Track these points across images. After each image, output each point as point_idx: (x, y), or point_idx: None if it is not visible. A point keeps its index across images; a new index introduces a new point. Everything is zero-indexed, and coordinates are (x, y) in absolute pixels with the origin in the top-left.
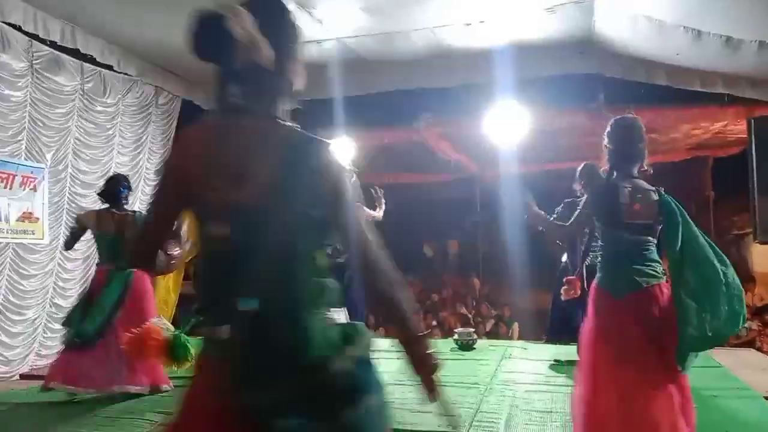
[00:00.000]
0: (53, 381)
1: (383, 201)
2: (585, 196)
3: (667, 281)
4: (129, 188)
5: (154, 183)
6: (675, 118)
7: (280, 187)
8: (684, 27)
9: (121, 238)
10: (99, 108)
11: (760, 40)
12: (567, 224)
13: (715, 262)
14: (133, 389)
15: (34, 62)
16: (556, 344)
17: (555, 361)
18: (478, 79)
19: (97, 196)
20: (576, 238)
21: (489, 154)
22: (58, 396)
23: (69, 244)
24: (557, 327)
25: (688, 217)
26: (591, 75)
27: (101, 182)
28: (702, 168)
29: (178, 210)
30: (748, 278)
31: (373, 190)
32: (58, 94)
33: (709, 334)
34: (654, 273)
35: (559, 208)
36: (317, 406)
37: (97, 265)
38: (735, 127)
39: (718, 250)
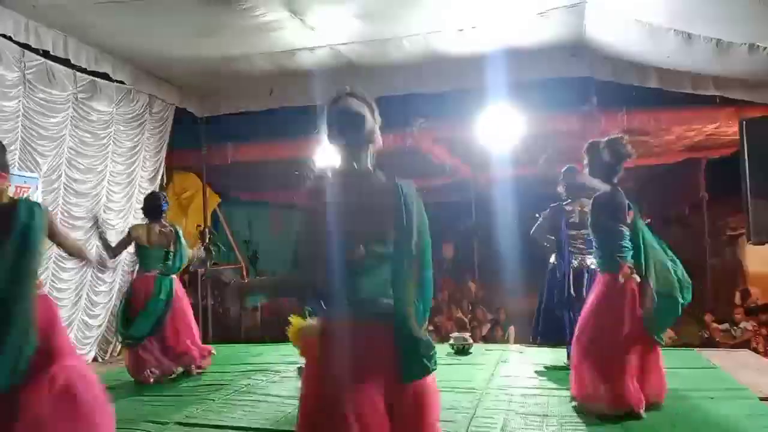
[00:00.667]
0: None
1: None
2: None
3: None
4: (167, 203)
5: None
6: (668, 120)
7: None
8: (674, 30)
9: (168, 250)
10: (93, 117)
11: (750, 42)
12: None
13: (668, 261)
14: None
15: (26, 72)
16: (546, 347)
17: (545, 367)
18: (471, 83)
19: (142, 211)
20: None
21: (483, 158)
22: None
23: (115, 252)
24: (545, 329)
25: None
26: (583, 78)
27: (95, 191)
28: (695, 169)
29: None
30: (742, 278)
31: None
32: (52, 103)
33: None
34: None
35: (545, 212)
36: None
37: (137, 273)
38: (728, 128)
39: (668, 251)
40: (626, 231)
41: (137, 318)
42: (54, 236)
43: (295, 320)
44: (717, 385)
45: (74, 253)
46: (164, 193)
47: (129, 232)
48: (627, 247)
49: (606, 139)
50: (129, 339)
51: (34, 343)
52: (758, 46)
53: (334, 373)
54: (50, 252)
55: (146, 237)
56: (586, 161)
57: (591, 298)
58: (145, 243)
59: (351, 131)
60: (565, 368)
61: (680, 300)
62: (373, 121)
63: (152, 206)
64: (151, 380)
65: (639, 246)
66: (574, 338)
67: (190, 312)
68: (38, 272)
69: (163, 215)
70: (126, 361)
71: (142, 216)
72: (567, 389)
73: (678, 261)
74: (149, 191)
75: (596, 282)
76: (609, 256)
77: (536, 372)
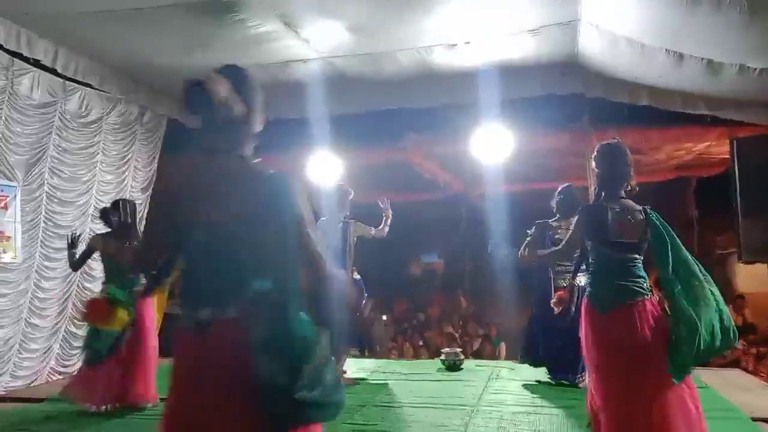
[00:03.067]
0: (71, 394)
1: (390, 213)
2: (576, 218)
3: (652, 296)
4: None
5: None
6: (658, 138)
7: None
8: (666, 50)
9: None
10: (80, 126)
11: (740, 63)
12: (560, 248)
13: (705, 283)
14: (141, 404)
15: (14, 80)
16: (532, 365)
17: (536, 381)
18: (464, 99)
19: (102, 221)
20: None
21: (475, 174)
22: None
23: (77, 265)
24: (534, 348)
25: (675, 237)
26: (575, 96)
27: (82, 200)
28: (686, 188)
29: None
30: (732, 297)
31: (380, 201)
32: (35, 111)
33: (702, 349)
34: (639, 289)
35: (531, 230)
36: None
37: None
38: (718, 147)
39: (702, 269)
40: (606, 250)
41: (100, 334)
42: None
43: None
44: (708, 405)
45: None
46: (133, 202)
47: (89, 242)
48: (587, 268)
49: (605, 143)
50: (89, 356)
51: None
52: (748, 66)
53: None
54: (32, 262)
55: (102, 247)
56: (593, 167)
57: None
58: (103, 254)
59: (204, 109)
60: (553, 385)
61: (723, 330)
62: (238, 100)
63: (116, 216)
64: (101, 408)
65: (662, 260)
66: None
67: (151, 339)
68: None
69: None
70: (72, 384)
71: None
72: (557, 407)
73: (713, 283)
74: (137, 201)
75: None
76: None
77: (527, 389)
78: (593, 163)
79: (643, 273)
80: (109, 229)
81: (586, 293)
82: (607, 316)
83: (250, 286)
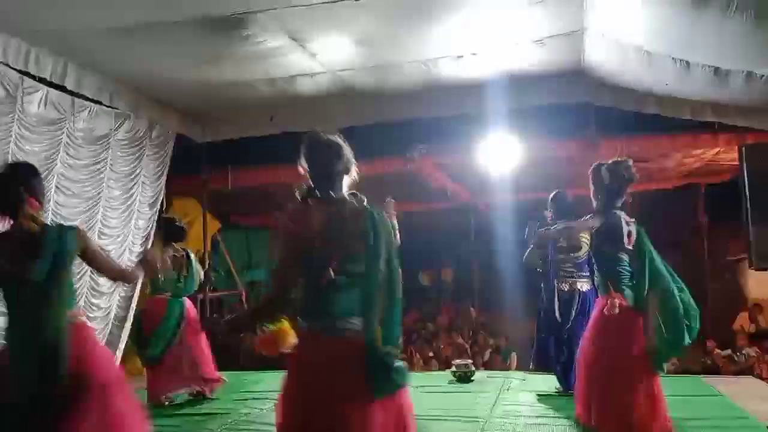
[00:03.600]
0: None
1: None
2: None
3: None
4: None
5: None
6: (666, 146)
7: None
8: (672, 58)
9: (180, 273)
10: (88, 142)
11: (747, 70)
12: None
13: (675, 289)
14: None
15: (23, 98)
16: (539, 373)
17: (551, 391)
18: (471, 109)
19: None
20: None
21: (483, 183)
22: None
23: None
24: (538, 355)
25: (652, 249)
26: (582, 104)
27: (87, 216)
28: (695, 195)
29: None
30: (744, 303)
31: (384, 206)
32: (44, 128)
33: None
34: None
35: (530, 233)
36: None
37: (150, 294)
38: (726, 154)
39: (676, 276)
40: (624, 257)
41: (151, 339)
42: (91, 261)
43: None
44: (723, 414)
45: (115, 276)
46: (179, 217)
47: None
48: (623, 273)
49: (609, 162)
50: (147, 359)
51: (65, 371)
52: (756, 73)
53: (307, 388)
54: None
55: (159, 260)
56: (591, 182)
57: (590, 321)
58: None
59: (329, 160)
60: (564, 395)
61: (684, 329)
62: (348, 154)
63: (175, 229)
64: (166, 403)
65: (642, 270)
66: (576, 360)
67: (203, 336)
68: (73, 299)
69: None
70: (146, 383)
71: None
72: (569, 417)
73: (685, 288)
74: (167, 216)
75: (596, 304)
76: (605, 281)
77: (539, 399)
78: (603, 178)
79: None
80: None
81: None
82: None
83: (372, 303)
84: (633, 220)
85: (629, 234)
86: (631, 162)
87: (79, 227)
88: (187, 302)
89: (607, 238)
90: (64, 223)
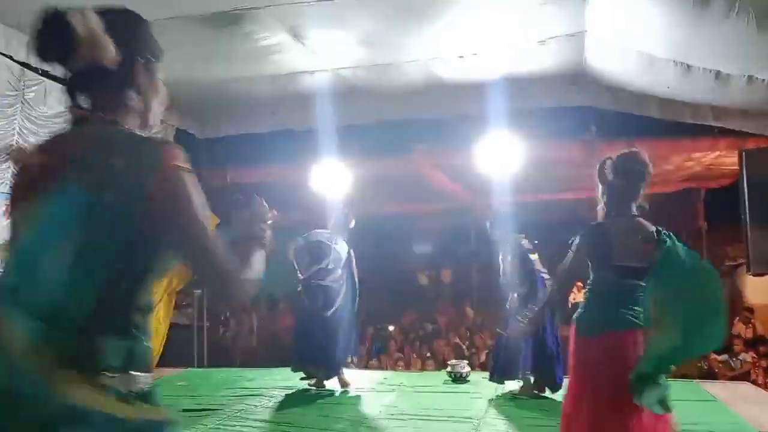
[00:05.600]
0: None
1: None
2: (576, 238)
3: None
4: None
5: None
6: (667, 149)
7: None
8: (674, 61)
9: None
10: None
11: (748, 74)
12: (558, 277)
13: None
14: None
15: (25, 91)
16: (501, 383)
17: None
18: (472, 110)
19: None
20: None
21: (483, 184)
22: None
23: None
24: (502, 365)
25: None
26: (583, 107)
27: None
28: (694, 199)
29: None
30: (741, 309)
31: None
32: (48, 122)
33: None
34: (634, 319)
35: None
36: None
37: None
38: (726, 159)
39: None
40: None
41: None
42: None
43: None
44: (717, 419)
45: None
46: None
47: None
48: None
49: (618, 154)
50: None
51: None
52: (757, 77)
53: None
54: None
55: None
56: (597, 184)
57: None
58: None
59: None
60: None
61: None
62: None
63: None
64: None
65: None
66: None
67: None
68: None
69: None
70: None
71: None
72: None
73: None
74: None
75: None
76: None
77: (534, 401)
78: (606, 174)
79: (640, 302)
80: None
81: (576, 315)
82: (595, 339)
83: None
84: (652, 229)
85: (628, 246)
86: (644, 155)
87: None
88: None
89: (587, 251)
90: None
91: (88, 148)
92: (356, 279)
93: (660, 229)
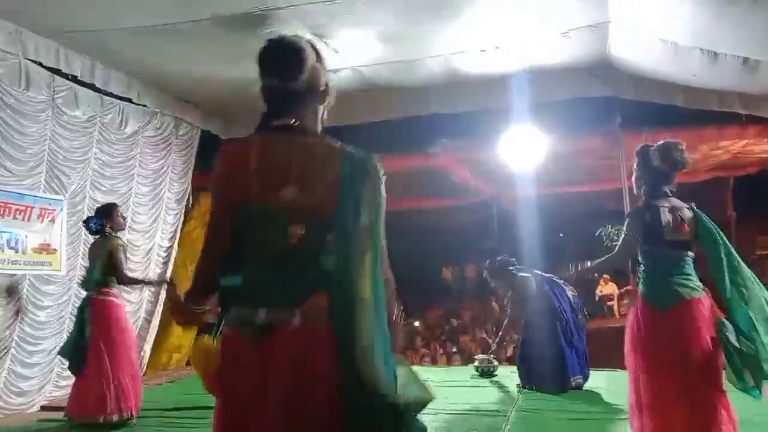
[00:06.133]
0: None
1: None
2: (627, 221)
3: (706, 296)
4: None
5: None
6: (693, 138)
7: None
8: (700, 49)
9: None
10: (118, 140)
11: None
12: (614, 254)
13: (756, 285)
14: (116, 418)
15: (55, 96)
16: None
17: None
18: (494, 104)
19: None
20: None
21: (506, 178)
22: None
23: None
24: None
25: (724, 237)
26: (606, 98)
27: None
28: (723, 188)
29: None
30: None
31: None
32: (78, 127)
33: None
34: (695, 286)
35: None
36: None
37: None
38: (755, 146)
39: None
40: (663, 249)
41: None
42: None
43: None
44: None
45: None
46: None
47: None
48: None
49: (659, 143)
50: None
51: None
52: None
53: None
54: (74, 273)
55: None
56: (635, 165)
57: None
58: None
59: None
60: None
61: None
62: (315, 61)
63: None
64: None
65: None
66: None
67: (122, 342)
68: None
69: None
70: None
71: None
72: (589, 412)
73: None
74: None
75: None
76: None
77: (562, 395)
78: (652, 160)
79: (693, 270)
80: None
81: (641, 292)
82: (667, 314)
83: None
84: (687, 206)
85: (673, 222)
86: (684, 145)
87: None
88: (100, 302)
89: (640, 231)
90: None
91: (305, 156)
92: None
93: (692, 205)
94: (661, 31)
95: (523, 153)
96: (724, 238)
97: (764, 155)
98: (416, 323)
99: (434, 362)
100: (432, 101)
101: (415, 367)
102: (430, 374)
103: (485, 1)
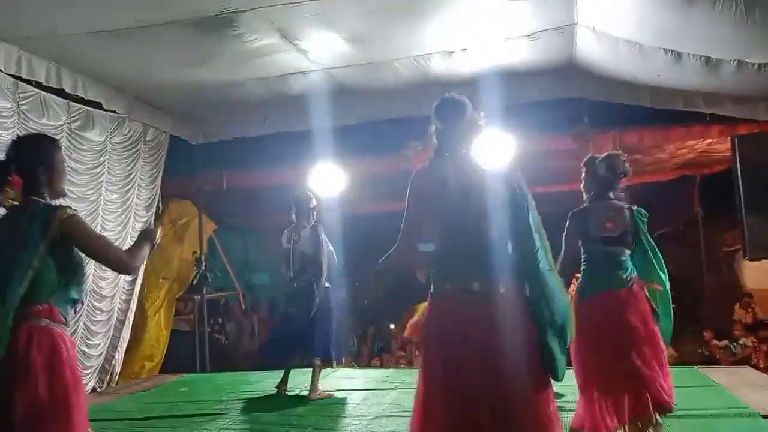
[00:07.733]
0: None
1: None
2: (567, 224)
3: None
4: None
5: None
6: (659, 138)
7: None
8: (663, 49)
9: None
10: (86, 146)
11: (738, 59)
12: (562, 255)
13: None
14: None
15: (20, 103)
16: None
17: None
18: None
19: None
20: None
21: None
22: None
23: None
24: None
25: (647, 232)
26: (575, 99)
27: (89, 219)
28: (689, 186)
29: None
30: (740, 294)
31: None
32: (45, 133)
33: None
34: (624, 279)
35: None
36: None
37: None
38: (719, 145)
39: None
40: (595, 246)
41: None
42: (83, 248)
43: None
44: (718, 404)
45: (113, 266)
46: None
47: None
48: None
49: (604, 155)
50: None
51: None
52: (747, 62)
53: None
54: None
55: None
56: (583, 175)
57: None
58: None
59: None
60: None
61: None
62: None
63: None
64: None
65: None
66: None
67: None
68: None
69: None
70: None
71: None
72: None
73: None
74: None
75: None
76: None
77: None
78: (597, 169)
79: (629, 264)
80: None
81: (577, 288)
82: (588, 300)
83: None
84: (626, 206)
85: (604, 221)
86: (625, 156)
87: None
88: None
89: (576, 231)
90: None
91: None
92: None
93: (631, 206)
94: (626, 33)
95: (494, 154)
96: (649, 237)
97: (728, 153)
98: (392, 326)
99: (410, 364)
100: (402, 103)
101: (390, 370)
102: (405, 376)
103: (453, 3)
